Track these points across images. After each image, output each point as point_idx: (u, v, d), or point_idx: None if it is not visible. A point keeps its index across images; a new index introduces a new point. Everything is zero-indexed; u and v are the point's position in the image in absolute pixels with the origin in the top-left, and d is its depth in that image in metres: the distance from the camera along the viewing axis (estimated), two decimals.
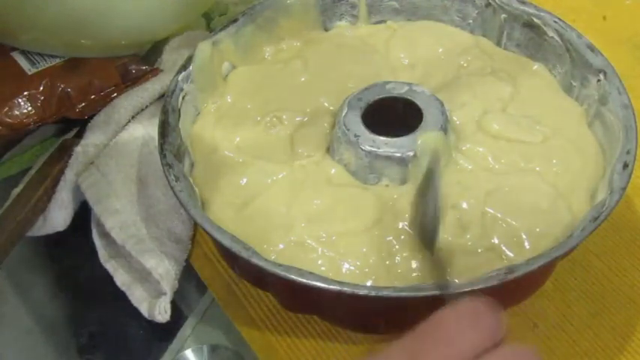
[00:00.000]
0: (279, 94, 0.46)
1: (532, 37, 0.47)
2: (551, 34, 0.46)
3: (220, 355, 0.41)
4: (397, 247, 0.38)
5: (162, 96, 0.47)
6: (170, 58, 0.52)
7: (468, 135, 0.43)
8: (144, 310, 0.42)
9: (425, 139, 0.40)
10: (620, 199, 0.37)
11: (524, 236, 0.38)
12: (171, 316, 0.41)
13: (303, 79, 0.47)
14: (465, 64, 0.47)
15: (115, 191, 0.45)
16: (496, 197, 0.39)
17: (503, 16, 0.48)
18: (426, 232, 0.34)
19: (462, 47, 0.48)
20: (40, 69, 0.49)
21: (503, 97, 0.45)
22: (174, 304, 0.41)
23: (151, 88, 0.50)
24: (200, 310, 0.43)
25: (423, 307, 0.37)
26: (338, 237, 0.38)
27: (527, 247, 0.37)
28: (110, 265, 0.45)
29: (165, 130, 0.41)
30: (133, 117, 0.49)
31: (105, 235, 0.45)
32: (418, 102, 0.42)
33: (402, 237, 0.38)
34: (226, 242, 0.36)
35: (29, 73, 0.48)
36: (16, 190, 0.46)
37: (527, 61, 0.47)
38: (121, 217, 0.44)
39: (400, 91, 0.43)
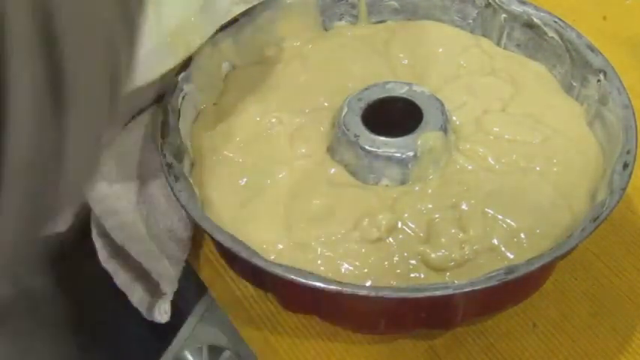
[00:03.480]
0: (279, 94, 0.46)
1: (532, 37, 0.47)
2: (551, 34, 0.46)
3: (220, 355, 0.41)
4: (396, 247, 0.38)
5: (162, 96, 0.47)
6: None
7: (468, 135, 0.43)
8: (143, 310, 0.42)
9: (425, 139, 0.40)
10: (620, 199, 0.37)
11: (524, 237, 0.38)
12: (171, 316, 0.41)
13: (303, 79, 0.47)
14: (465, 64, 0.47)
15: (115, 191, 0.45)
16: (496, 197, 0.39)
17: (504, 16, 0.48)
18: None
19: (462, 47, 0.48)
20: None
21: (503, 97, 0.45)
22: (173, 304, 0.41)
23: (151, 87, 0.50)
24: (200, 310, 0.43)
25: (423, 307, 0.37)
26: (337, 237, 0.38)
27: (527, 247, 0.37)
28: (110, 265, 0.45)
29: (165, 130, 0.41)
30: (133, 117, 0.49)
31: (105, 235, 0.45)
32: (418, 102, 0.42)
33: (401, 237, 0.38)
34: (226, 242, 0.36)
35: None
36: None
37: (527, 61, 0.47)
38: (120, 217, 0.44)
39: (400, 91, 0.43)
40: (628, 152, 0.39)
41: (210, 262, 0.45)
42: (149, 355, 0.42)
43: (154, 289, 0.42)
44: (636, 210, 0.47)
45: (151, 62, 0.42)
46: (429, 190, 0.40)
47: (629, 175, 0.38)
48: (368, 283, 0.36)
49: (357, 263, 0.37)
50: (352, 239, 0.38)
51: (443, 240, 0.37)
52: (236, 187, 0.41)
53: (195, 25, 0.43)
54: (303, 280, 0.34)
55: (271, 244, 0.38)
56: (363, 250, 0.37)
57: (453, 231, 0.38)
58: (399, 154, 0.40)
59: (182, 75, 0.44)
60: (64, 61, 0.19)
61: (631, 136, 0.39)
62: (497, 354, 0.40)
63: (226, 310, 0.43)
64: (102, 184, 0.46)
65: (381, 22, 0.51)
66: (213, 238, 0.37)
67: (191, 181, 0.40)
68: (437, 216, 0.39)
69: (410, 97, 0.43)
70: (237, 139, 0.43)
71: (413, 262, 0.37)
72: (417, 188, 0.40)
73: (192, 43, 0.43)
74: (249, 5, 0.48)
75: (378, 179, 0.40)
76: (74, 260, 0.47)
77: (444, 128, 0.41)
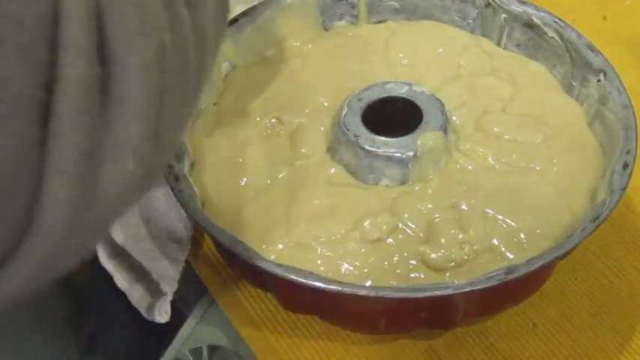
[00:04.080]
0: (279, 94, 0.46)
1: (532, 37, 0.47)
2: (551, 34, 0.46)
3: (220, 355, 0.41)
4: (396, 247, 0.38)
5: None
6: None
7: (468, 135, 0.43)
8: (143, 310, 0.42)
9: (425, 139, 0.40)
10: (620, 199, 0.37)
11: (524, 237, 0.38)
12: (171, 316, 0.41)
13: (303, 79, 0.47)
14: (465, 64, 0.47)
15: None
16: (496, 197, 0.39)
17: (504, 16, 0.48)
18: None
19: (462, 47, 0.48)
20: None
21: (503, 97, 0.45)
22: (173, 304, 0.41)
23: None
24: (200, 310, 0.43)
25: (423, 307, 0.37)
26: (337, 237, 0.38)
27: (527, 247, 0.37)
28: (110, 265, 0.45)
29: None
30: None
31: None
32: (418, 102, 0.42)
33: (401, 237, 0.38)
34: (226, 242, 0.36)
35: None
36: None
37: (527, 61, 0.47)
38: (120, 218, 0.44)
39: (400, 91, 0.43)
40: (628, 152, 0.39)
41: (210, 262, 0.45)
42: (149, 355, 0.42)
43: (154, 289, 0.42)
44: (636, 210, 0.47)
45: None
46: (429, 190, 0.40)
47: (629, 175, 0.38)
48: (368, 283, 0.36)
49: (357, 263, 0.37)
50: (352, 239, 0.38)
51: (443, 240, 0.37)
52: (236, 187, 0.41)
53: None
54: (303, 280, 0.34)
55: (271, 244, 0.38)
56: (363, 250, 0.37)
57: (452, 231, 0.38)
58: (399, 154, 0.40)
59: None
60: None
61: (631, 136, 0.39)
62: (497, 354, 0.40)
63: (226, 310, 0.43)
64: None
65: (381, 22, 0.51)
66: (213, 238, 0.37)
67: (191, 181, 0.40)
68: (437, 216, 0.39)
69: (410, 97, 0.43)
70: (237, 139, 0.43)
71: (413, 262, 0.37)
72: (417, 188, 0.40)
73: None
74: (249, 5, 0.48)
75: (378, 179, 0.40)
76: None
77: (444, 128, 0.41)
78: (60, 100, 0.18)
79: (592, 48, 0.44)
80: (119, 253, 0.45)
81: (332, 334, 0.41)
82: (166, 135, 0.22)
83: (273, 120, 0.44)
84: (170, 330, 0.42)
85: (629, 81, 0.43)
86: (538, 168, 0.41)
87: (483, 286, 0.34)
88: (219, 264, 0.44)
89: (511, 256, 0.37)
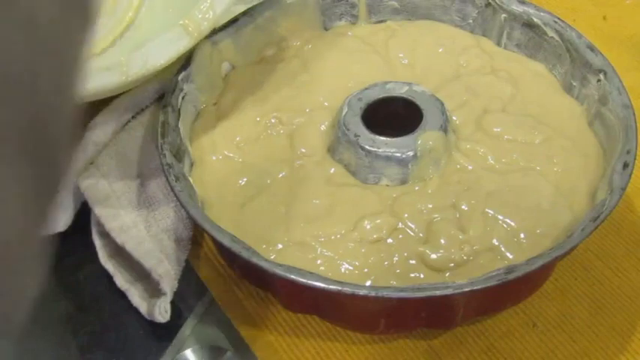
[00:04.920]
0: (279, 94, 0.46)
1: (532, 37, 0.47)
2: (551, 34, 0.46)
3: (220, 355, 0.41)
4: (396, 247, 0.38)
5: (162, 96, 0.47)
6: None
7: (468, 135, 0.43)
8: (144, 310, 0.42)
9: (425, 139, 0.40)
10: (620, 199, 0.37)
11: (524, 237, 0.38)
12: (171, 316, 0.41)
13: (302, 78, 0.47)
14: (465, 64, 0.47)
15: (115, 191, 0.45)
16: (496, 197, 0.39)
17: (503, 15, 0.48)
18: None
19: (462, 47, 0.48)
20: None
21: (503, 97, 0.45)
22: (173, 304, 0.41)
23: (151, 87, 0.50)
24: (200, 310, 0.43)
25: (423, 307, 0.37)
26: (337, 237, 0.38)
27: (527, 247, 0.37)
28: (110, 265, 0.45)
29: (165, 130, 0.41)
30: (133, 117, 0.49)
31: (105, 235, 0.45)
32: (418, 102, 0.42)
33: (401, 237, 0.38)
34: (226, 242, 0.36)
35: None
36: None
37: (527, 60, 0.47)
38: (121, 218, 0.44)
39: (400, 91, 0.43)
40: (628, 152, 0.39)
41: (210, 262, 0.45)
42: (149, 355, 0.42)
43: (153, 289, 0.42)
44: (636, 210, 0.47)
45: (165, 43, 0.42)
46: (429, 190, 0.40)
47: (629, 175, 0.38)
48: (368, 283, 0.36)
49: (357, 263, 0.37)
50: (352, 239, 0.38)
51: (442, 240, 0.37)
52: (236, 187, 0.41)
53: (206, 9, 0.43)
54: (303, 280, 0.34)
55: (271, 244, 0.38)
56: (363, 250, 0.37)
57: (452, 231, 0.38)
58: (399, 154, 0.40)
59: (182, 75, 0.44)
60: None
61: (631, 136, 0.39)
62: (497, 354, 0.40)
63: (226, 310, 0.43)
64: (102, 183, 0.46)
65: (381, 22, 0.51)
66: (213, 238, 0.37)
67: (191, 181, 0.40)
68: (437, 216, 0.39)
69: (410, 97, 0.43)
70: (237, 139, 0.43)
71: (413, 262, 0.37)
72: (417, 188, 0.40)
73: (204, 27, 0.43)
74: (249, 5, 0.48)
75: (378, 179, 0.40)
76: (74, 260, 0.47)
77: (444, 128, 0.41)
78: None
79: (592, 48, 0.44)
80: (119, 253, 0.45)
81: (332, 334, 0.41)
82: None
83: (273, 120, 0.44)
84: (170, 330, 0.42)
85: (629, 81, 0.43)
86: (538, 168, 0.41)
87: (483, 286, 0.34)
88: (219, 264, 0.44)
89: (511, 256, 0.37)
